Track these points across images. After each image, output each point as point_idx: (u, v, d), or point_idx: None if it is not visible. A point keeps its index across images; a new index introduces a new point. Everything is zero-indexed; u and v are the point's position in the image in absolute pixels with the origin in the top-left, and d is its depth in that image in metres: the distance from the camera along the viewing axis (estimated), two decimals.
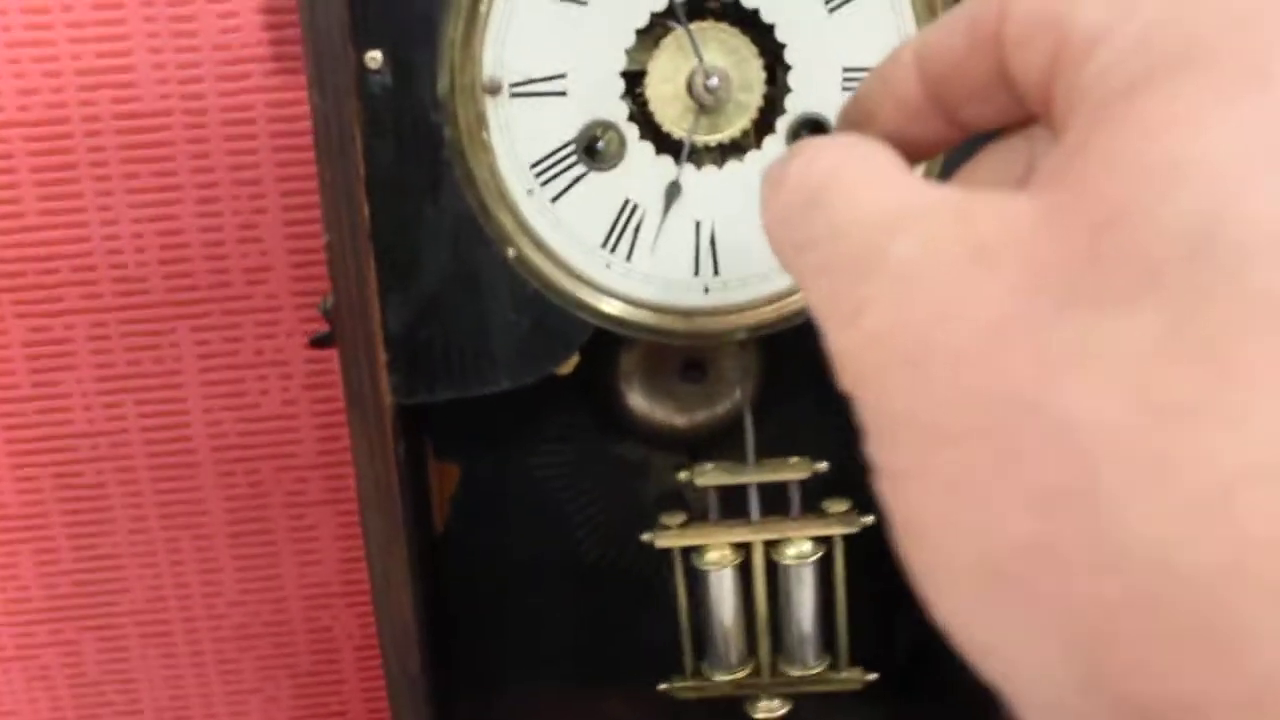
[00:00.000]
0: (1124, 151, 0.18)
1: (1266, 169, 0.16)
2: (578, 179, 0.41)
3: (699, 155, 0.41)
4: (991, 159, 0.26)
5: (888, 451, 0.20)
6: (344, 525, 0.64)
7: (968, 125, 0.26)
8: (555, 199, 0.41)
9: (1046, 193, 0.19)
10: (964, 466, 0.18)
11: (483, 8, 0.39)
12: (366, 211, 0.39)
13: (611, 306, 0.42)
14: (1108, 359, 0.17)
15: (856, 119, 0.27)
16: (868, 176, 0.23)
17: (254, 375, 0.61)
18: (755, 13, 0.39)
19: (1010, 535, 0.18)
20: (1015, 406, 0.18)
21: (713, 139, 0.41)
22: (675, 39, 0.40)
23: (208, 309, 0.60)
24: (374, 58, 0.40)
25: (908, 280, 0.20)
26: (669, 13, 0.40)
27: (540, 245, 0.41)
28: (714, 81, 0.39)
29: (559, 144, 0.40)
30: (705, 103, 0.40)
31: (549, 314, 0.42)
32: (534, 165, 0.40)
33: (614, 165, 0.41)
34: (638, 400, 0.51)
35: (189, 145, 0.57)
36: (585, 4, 0.39)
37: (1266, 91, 0.17)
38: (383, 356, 0.41)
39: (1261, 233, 0.16)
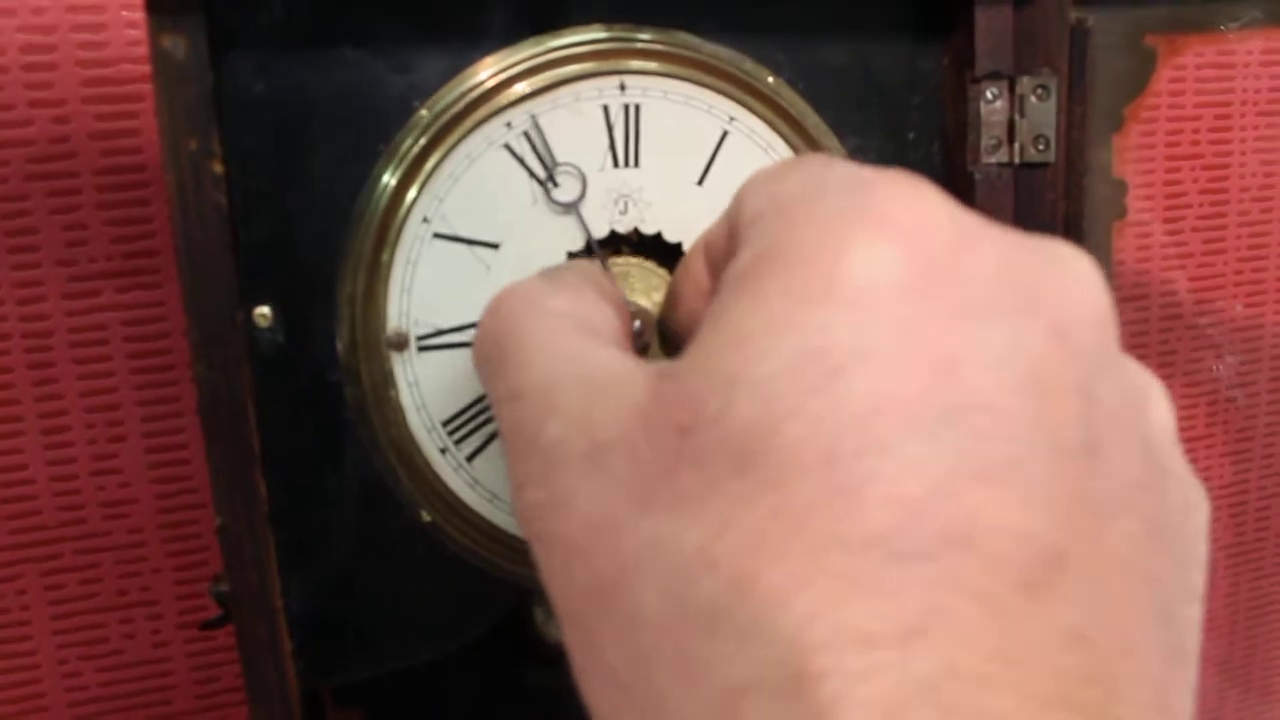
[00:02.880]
0: (710, 358, 0.19)
1: (812, 390, 0.17)
2: (495, 435, 0.37)
3: None
4: None
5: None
6: None
7: None
8: (471, 457, 0.37)
9: (669, 381, 0.20)
10: (576, 647, 0.20)
11: (385, 256, 0.36)
12: (263, 490, 0.35)
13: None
14: (665, 561, 0.18)
15: (670, 299, 0.30)
16: (540, 338, 0.24)
17: (117, 618, 0.55)
18: (679, 245, 0.37)
19: None
20: (598, 600, 0.19)
21: None
22: None
23: (59, 549, 0.53)
24: (263, 315, 0.36)
25: (552, 465, 0.21)
26: (586, 251, 0.37)
27: (456, 507, 0.38)
28: (638, 325, 0.37)
29: (473, 398, 0.37)
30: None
31: (470, 579, 0.38)
32: (446, 422, 0.37)
33: None
34: (552, 629, 0.47)
35: (30, 371, 0.52)
36: (496, 248, 0.36)
37: (827, 303, 0.18)
38: (288, 646, 0.36)
39: (798, 453, 0.17)
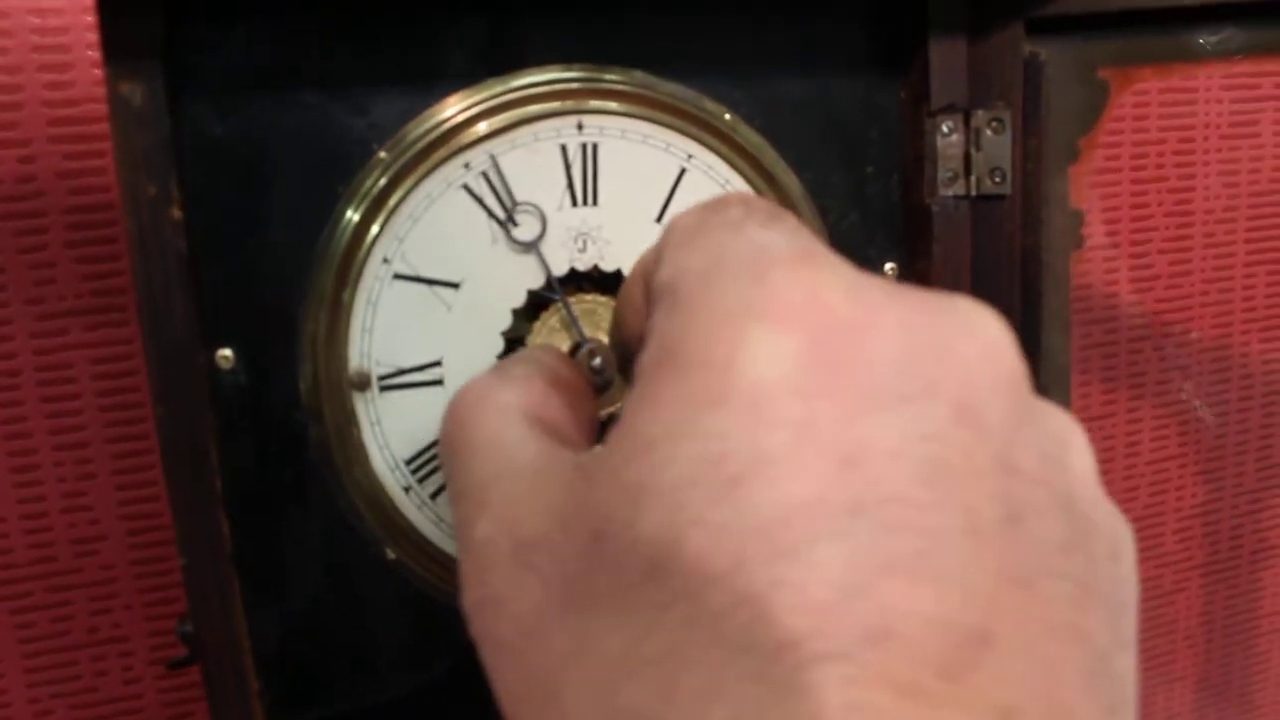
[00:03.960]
0: (619, 466, 0.18)
1: (714, 499, 0.17)
2: None
3: None
4: None
5: None
6: None
7: None
8: (435, 494, 0.37)
9: (584, 481, 0.20)
10: None
11: (346, 296, 0.36)
12: (226, 530, 0.35)
13: None
14: (588, 664, 0.18)
15: (615, 320, 0.30)
16: (483, 437, 0.24)
17: (88, 656, 0.55)
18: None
19: None
20: (534, 704, 0.19)
21: (601, 413, 0.38)
22: (553, 315, 0.37)
23: (30, 587, 0.53)
24: (225, 356, 0.36)
25: (483, 565, 0.21)
26: (546, 288, 0.37)
27: (421, 544, 0.38)
28: (599, 361, 0.37)
29: (435, 437, 0.37)
30: (591, 382, 0.38)
31: (435, 615, 0.38)
32: (410, 460, 0.37)
33: None
34: None
35: None
36: (457, 286, 0.36)
37: (724, 407, 0.18)
38: (255, 684, 0.36)
39: (704, 563, 0.17)
